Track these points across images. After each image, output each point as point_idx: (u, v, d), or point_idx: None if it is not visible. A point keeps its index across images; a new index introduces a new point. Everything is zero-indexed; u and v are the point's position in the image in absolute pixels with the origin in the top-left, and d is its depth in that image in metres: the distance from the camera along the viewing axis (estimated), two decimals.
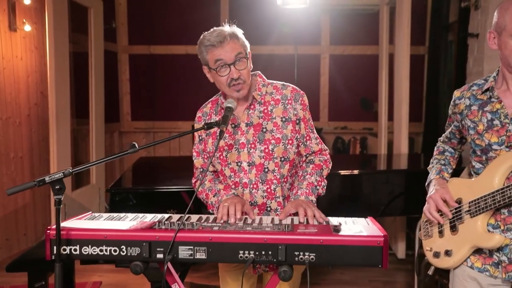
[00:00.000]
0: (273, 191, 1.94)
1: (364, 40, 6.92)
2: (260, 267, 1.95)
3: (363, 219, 1.81)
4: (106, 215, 1.87)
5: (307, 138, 2.01)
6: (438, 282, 3.82)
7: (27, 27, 4.75)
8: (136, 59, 7.13)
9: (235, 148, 1.94)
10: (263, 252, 1.57)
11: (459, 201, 1.80)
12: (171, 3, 7.00)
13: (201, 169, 2.07)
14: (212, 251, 1.58)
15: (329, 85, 6.97)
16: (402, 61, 4.27)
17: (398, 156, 4.30)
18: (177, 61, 7.06)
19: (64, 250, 1.60)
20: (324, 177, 2.01)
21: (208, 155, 2.03)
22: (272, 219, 1.82)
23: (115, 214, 1.87)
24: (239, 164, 1.94)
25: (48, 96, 4.46)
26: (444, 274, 3.89)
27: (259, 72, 2.04)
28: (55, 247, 1.59)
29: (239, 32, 1.90)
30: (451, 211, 1.81)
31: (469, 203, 1.74)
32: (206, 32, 1.89)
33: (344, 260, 1.56)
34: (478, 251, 1.76)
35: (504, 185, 1.64)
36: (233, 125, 1.96)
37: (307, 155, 2.04)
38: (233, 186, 1.97)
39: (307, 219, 1.77)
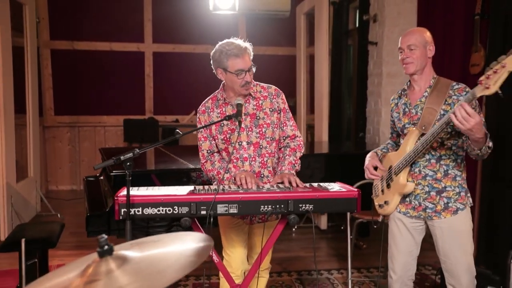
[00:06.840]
0: (265, 162, 2.58)
1: (277, 41, 7.74)
2: (255, 218, 2.58)
3: (334, 183, 2.52)
4: (143, 188, 2.35)
5: (284, 124, 2.68)
6: (356, 244, 4.73)
7: None
8: (58, 54, 7.18)
9: (236, 131, 2.53)
10: (277, 206, 2.21)
11: (390, 167, 2.57)
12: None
13: (208, 150, 2.61)
14: (242, 207, 2.18)
15: None
16: (322, 63, 5.10)
17: (319, 143, 5.14)
18: (102, 57, 7.26)
19: (130, 211, 2.08)
20: (298, 158, 2.68)
21: (213, 138, 2.59)
22: (273, 186, 2.44)
23: (150, 188, 2.36)
24: (240, 143, 2.54)
25: None
26: (360, 237, 4.82)
27: None
28: (122, 210, 2.08)
29: (250, 46, 2.52)
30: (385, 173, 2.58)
31: (395, 166, 2.52)
32: (222, 43, 2.48)
33: (332, 208, 2.27)
34: (403, 200, 2.54)
35: (411, 149, 2.44)
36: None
37: (284, 138, 2.69)
38: (234, 161, 2.56)
39: (291, 185, 2.41)
